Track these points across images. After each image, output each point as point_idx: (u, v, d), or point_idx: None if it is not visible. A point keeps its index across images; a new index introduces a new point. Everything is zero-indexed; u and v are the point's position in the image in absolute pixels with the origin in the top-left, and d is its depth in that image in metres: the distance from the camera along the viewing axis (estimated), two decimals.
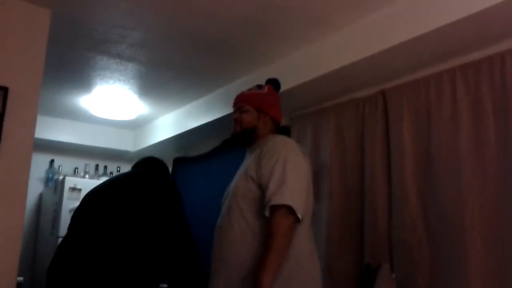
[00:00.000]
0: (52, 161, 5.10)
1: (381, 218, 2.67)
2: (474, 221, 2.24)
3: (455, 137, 2.38)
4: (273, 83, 2.34)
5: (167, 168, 2.63)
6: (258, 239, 1.87)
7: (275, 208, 1.80)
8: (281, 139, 2.07)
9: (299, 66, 3.08)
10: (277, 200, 1.80)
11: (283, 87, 3.12)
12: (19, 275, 2.27)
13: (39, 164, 4.93)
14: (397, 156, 2.64)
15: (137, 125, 5.19)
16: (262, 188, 1.90)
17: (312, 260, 1.98)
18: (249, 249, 1.88)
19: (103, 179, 4.03)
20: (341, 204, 2.96)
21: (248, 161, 2.07)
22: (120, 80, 3.73)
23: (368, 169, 2.80)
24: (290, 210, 1.80)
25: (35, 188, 4.93)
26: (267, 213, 1.82)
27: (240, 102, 2.22)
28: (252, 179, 1.94)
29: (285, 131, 3.53)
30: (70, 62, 3.37)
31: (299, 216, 1.81)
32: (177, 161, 5.20)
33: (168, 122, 4.74)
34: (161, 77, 3.66)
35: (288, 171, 1.87)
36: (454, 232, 2.30)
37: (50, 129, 4.81)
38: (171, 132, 4.64)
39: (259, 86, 2.28)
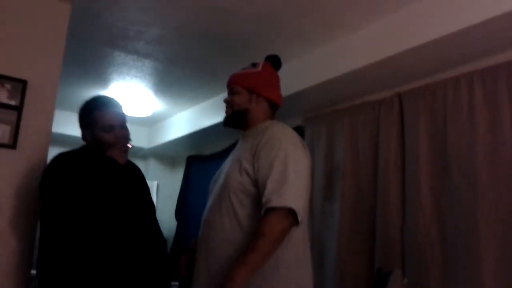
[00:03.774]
0: None
1: (394, 221, 2.66)
2: (489, 227, 2.22)
3: (471, 142, 2.35)
4: (272, 60, 2.09)
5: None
6: (249, 240, 1.66)
7: (273, 209, 1.61)
8: (280, 129, 1.84)
9: (314, 66, 3.08)
10: (277, 202, 1.60)
11: (298, 87, 3.14)
12: (32, 269, 2.29)
13: None
14: (412, 159, 2.63)
15: (152, 122, 5.22)
16: (257, 185, 1.70)
17: (305, 266, 1.79)
18: (238, 250, 1.68)
19: None
20: (353, 206, 2.95)
21: (242, 149, 1.85)
22: (136, 77, 3.76)
23: (381, 172, 2.79)
24: (289, 212, 1.61)
25: None
26: (263, 213, 1.63)
27: (231, 83, 2.00)
28: (246, 173, 1.74)
29: (298, 132, 3.55)
30: (88, 57, 3.40)
31: (299, 219, 1.62)
32: (190, 159, 5.23)
33: (182, 120, 4.76)
34: (177, 74, 3.68)
35: (289, 169, 1.66)
36: (469, 237, 2.28)
37: (67, 124, 4.82)
38: (185, 130, 4.66)
39: (253, 64, 2.04)
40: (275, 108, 2.01)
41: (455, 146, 2.44)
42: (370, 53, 2.63)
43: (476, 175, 2.30)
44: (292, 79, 3.25)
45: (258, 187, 1.71)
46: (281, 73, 3.29)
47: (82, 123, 1.99)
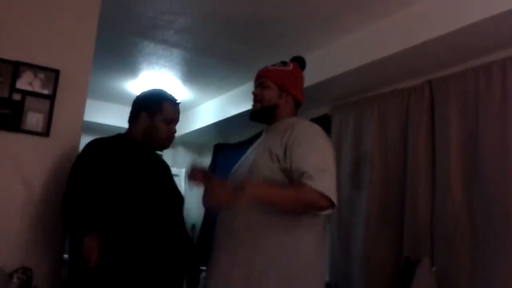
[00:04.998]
0: None
1: (423, 209, 2.63)
2: None
3: (504, 129, 2.31)
4: (299, 61, 2.11)
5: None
6: (275, 222, 1.75)
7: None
8: (309, 124, 1.92)
9: (343, 54, 3.05)
10: (317, 185, 1.66)
11: (326, 75, 3.12)
12: (65, 253, 2.35)
13: None
14: (443, 147, 2.59)
15: (180, 111, 5.25)
16: (287, 172, 1.75)
17: (321, 259, 1.87)
18: (259, 233, 1.76)
19: None
20: (382, 194, 2.93)
21: (270, 141, 1.89)
22: (165, 66, 3.80)
23: (410, 160, 2.76)
24: (326, 198, 1.68)
25: None
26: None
27: (262, 77, 2.02)
28: (277, 160, 1.78)
29: (326, 120, 3.55)
30: (118, 47, 3.45)
31: (335, 205, 1.70)
32: (217, 147, 5.27)
33: (209, 109, 4.79)
34: (205, 64, 3.70)
35: (326, 159, 1.75)
36: (499, 226, 2.24)
37: (98, 112, 4.96)
38: (212, 119, 4.69)
39: (284, 63, 2.07)
40: (298, 107, 2.07)
41: (487, 134, 2.39)
42: (400, 40, 2.59)
43: (508, 163, 2.26)
44: (321, 67, 3.23)
45: (290, 176, 1.75)
46: (310, 60, 3.28)
47: (144, 106, 2.06)
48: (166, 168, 2.15)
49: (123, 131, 2.13)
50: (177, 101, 2.15)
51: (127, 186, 1.87)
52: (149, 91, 2.16)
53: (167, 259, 1.90)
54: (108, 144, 1.98)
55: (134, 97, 2.17)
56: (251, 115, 2.05)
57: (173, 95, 2.16)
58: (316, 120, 3.59)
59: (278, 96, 1.97)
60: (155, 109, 2.04)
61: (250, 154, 1.99)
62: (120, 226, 1.82)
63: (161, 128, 2.05)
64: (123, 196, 1.85)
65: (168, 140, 2.10)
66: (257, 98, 2.01)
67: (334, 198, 1.69)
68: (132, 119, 2.09)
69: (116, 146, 1.98)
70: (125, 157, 1.95)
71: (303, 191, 1.67)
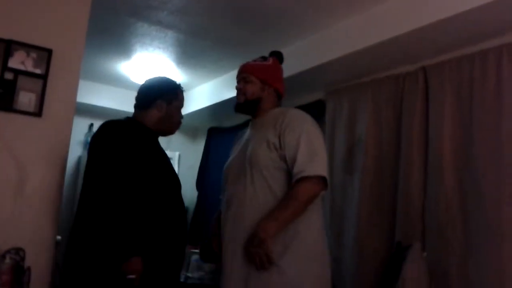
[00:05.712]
0: (91, 125, 5.21)
1: (415, 196, 2.65)
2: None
3: (498, 117, 2.31)
4: (278, 56, 2.25)
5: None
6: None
7: (307, 178, 1.85)
8: (299, 112, 2.09)
9: (338, 39, 3.03)
10: (311, 171, 1.85)
11: (321, 60, 3.12)
12: (58, 234, 2.35)
13: (78, 127, 5.01)
14: (436, 134, 2.60)
15: None
16: (285, 159, 1.92)
17: (324, 234, 2.02)
18: None
19: None
20: (375, 179, 2.94)
21: (264, 131, 2.02)
22: (159, 48, 3.76)
23: (404, 146, 2.77)
24: (320, 180, 1.88)
25: (74, 151, 5.05)
26: (294, 181, 1.87)
27: (245, 72, 2.15)
28: (275, 148, 1.93)
29: (320, 105, 3.55)
30: (111, 28, 3.41)
31: (327, 185, 1.90)
32: (211, 131, 5.26)
33: (204, 92, 4.77)
34: (199, 46, 3.67)
35: (315, 144, 1.93)
36: (490, 213, 2.26)
37: (90, 94, 4.91)
38: (206, 102, 4.68)
39: (264, 58, 2.21)
40: (279, 98, 2.19)
41: (481, 121, 2.39)
42: (395, 26, 2.58)
43: (501, 151, 2.27)
44: (315, 52, 3.22)
45: (286, 162, 1.92)
46: (304, 45, 3.29)
47: (161, 94, 2.12)
48: (166, 154, 2.20)
49: (120, 114, 2.15)
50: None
51: (148, 175, 1.94)
52: (161, 78, 2.22)
53: (175, 244, 2.01)
54: (126, 131, 2.00)
55: (143, 85, 2.19)
56: (235, 107, 2.17)
57: None
58: (310, 105, 3.60)
59: (261, 90, 2.11)
60: (172, 97, 2.14)
61: (244, 148, 2.07)
62: (142, 214, 1.87)
63: (176, 115, 2.17)
64: (145, 185, 1.91)
65: (178, 126, 2.23)
66: (241, 92, 2.13)
67: (325, 174, 1.88)
68: (145, 106, 2.12)
69: (133, 133, 2.01)
70: (143, 145, 2.01)
71: (300, 192, 1.85)
